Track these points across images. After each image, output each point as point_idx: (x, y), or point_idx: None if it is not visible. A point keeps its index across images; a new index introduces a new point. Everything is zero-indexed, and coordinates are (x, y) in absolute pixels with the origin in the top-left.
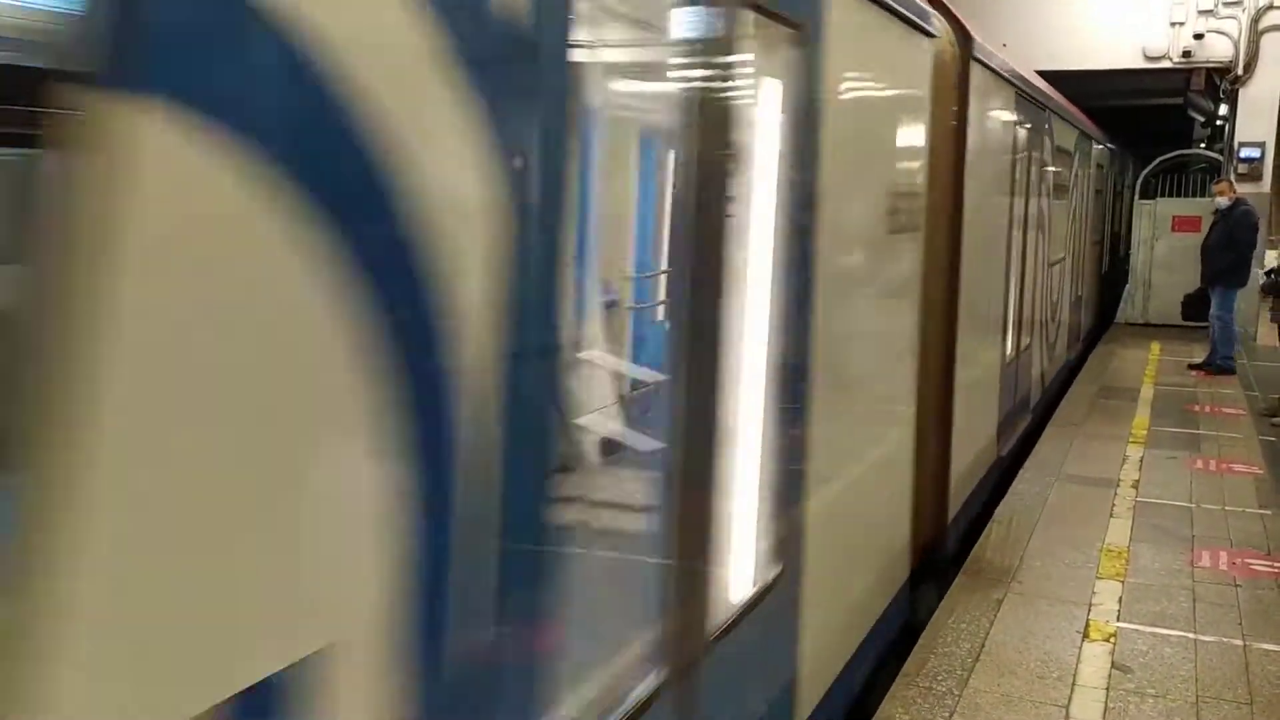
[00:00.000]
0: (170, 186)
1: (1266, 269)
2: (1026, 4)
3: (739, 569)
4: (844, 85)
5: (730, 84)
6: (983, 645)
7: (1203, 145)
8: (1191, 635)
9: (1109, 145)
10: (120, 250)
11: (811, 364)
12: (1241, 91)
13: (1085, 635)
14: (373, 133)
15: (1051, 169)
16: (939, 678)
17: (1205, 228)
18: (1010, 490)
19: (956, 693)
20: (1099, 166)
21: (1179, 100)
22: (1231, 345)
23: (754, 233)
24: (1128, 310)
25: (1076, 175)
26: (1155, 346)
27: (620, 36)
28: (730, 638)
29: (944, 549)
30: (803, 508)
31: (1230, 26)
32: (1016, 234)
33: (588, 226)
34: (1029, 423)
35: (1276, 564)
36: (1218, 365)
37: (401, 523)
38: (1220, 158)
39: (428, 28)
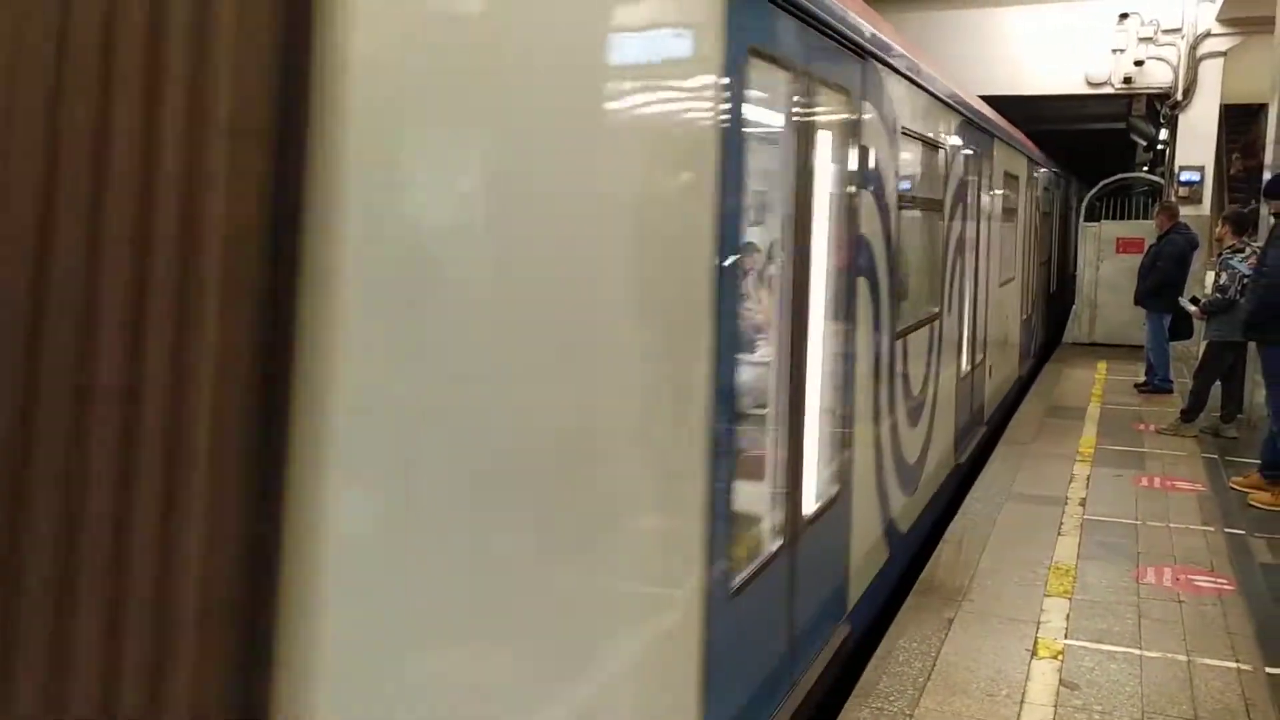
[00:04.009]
0: None
1: (1190, 296)
2: (972, 31)
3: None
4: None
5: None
6: (934, 664)
7: (1145, 169)
8: (1137, 651)
9: (1058, 172)
10: None
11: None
12: (1181, 117)
13: (1034, 653)
14: None
15: (1031, 200)
16: (891, 698)
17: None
18: (961, 510)
19: (908, 713)
20: (1055, 192)
21: (1122, 125)
22: (1166, 365)
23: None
24: (1074, 330)
25: (1051, 202)
26: (1102, 366)
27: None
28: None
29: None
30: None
31: (1170, 54)
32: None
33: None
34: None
35: (1219, 580)
36: (1155, 385)
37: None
38: (1162, 181)
39: None
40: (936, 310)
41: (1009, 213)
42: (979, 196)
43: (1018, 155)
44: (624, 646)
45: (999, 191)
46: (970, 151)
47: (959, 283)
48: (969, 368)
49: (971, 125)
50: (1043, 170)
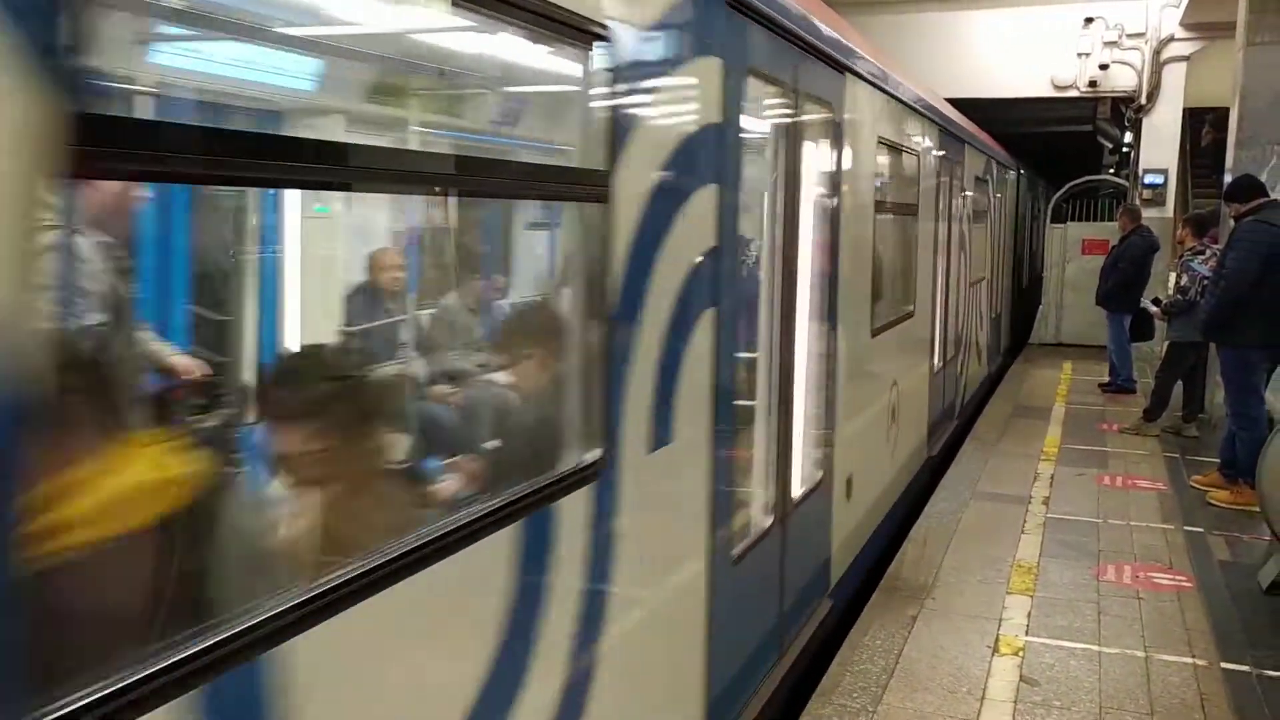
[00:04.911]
0: None
1: (1153, 298)
2: (940, 34)
3: None
4: None
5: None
6: (897, 662)
7: (1111, 171)
8: (1096, 648)
9: (1004, 161)
10: None
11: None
12: (1145, 120)
13: (995, 650)
14: None
15: (958, 196)
16: (854, 695)
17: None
18: (926, 508)
19: (871, 709)
20: (1000, 187)
21: (1089, 128)
22: (1129, 365)
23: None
24: (1041, 330)
25: (996, 200)
26: (1067, 366)
27: None
28: None
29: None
30: None
31: (1134, 58)
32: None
33: None
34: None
35: (1178, 577)
36: (1118, 385)
37: None
38: (1127, 183)
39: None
40: (694, 433)
41: (905, 210)
42: (838, 188)
43: (923, 124)
44: None
45: (885, 180)
46: (803, 104)
47: (734, 349)
48: (774, 518)
49: (792, 44)
50: (978, 153)
